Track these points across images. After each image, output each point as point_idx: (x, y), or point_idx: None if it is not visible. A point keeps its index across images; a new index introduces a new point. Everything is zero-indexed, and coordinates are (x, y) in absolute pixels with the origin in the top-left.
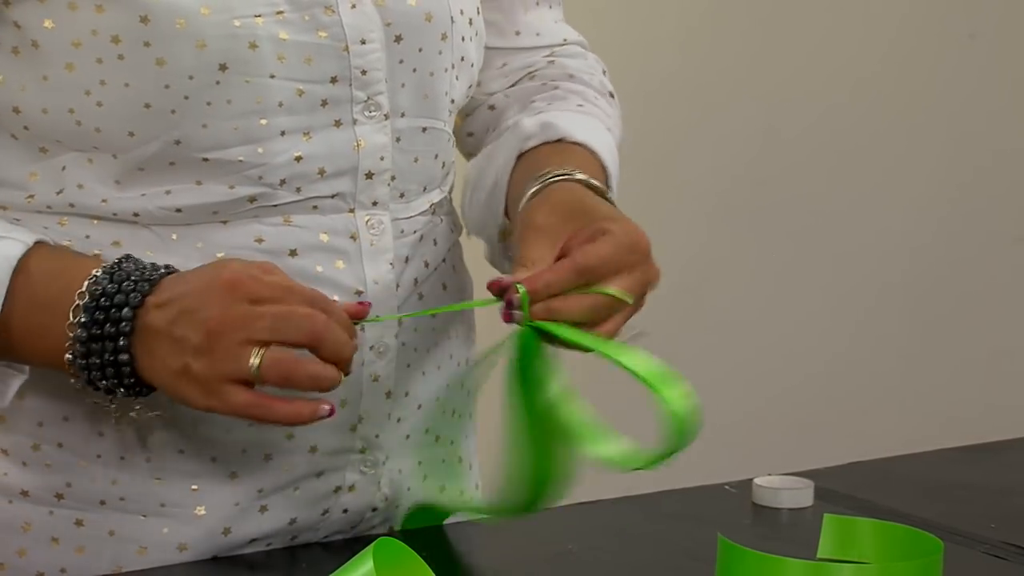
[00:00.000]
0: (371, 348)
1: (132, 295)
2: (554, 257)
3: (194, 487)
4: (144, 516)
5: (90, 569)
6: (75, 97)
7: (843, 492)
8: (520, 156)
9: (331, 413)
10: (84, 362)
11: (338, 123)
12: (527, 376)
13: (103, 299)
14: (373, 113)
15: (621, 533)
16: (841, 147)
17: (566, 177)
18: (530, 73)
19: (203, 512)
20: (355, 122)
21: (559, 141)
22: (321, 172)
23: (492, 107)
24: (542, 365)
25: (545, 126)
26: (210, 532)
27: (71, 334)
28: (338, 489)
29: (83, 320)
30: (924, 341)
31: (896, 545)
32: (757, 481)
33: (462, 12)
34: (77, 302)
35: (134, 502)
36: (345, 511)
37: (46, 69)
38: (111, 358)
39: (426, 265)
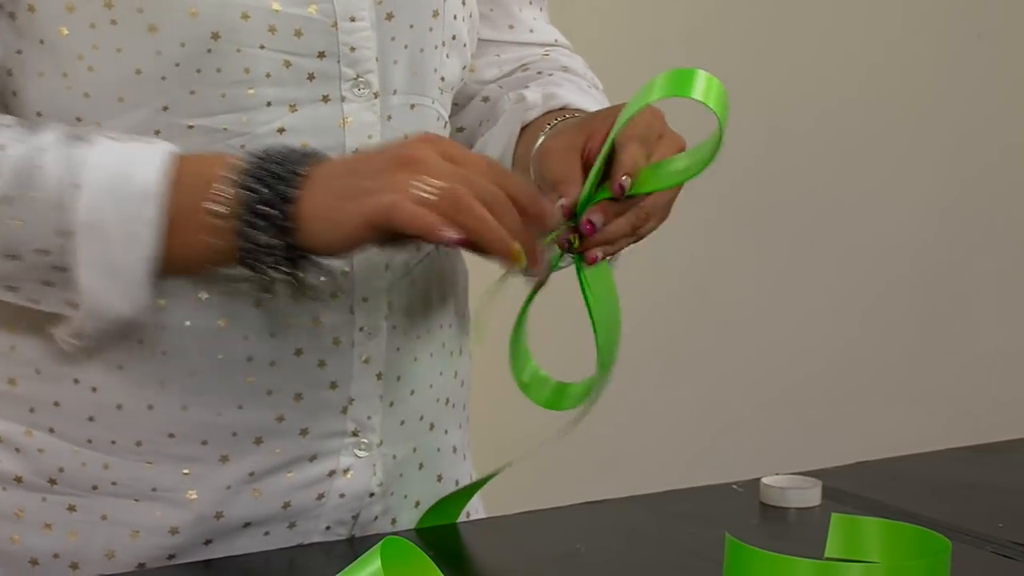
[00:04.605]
0: (360, 329)
1: (302, 159)
2: (579, 166)
3: (185, 471)
4: (136, 500)
5: (82, 553)
6: (68, 61)
7: (851, 491)
8: (525, 128)
9: (460, 240)
10: (246, 208)
11: (326, 99)
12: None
13: (270, 156)
14: (362, 91)
15: (629, 532)
16: (847, 147)
17: (562, 121)
18: (524, 65)
19: (195, 496)
20: (343, 99)
21: (561, 109)
22: (305, 144)
23: (486, 99)
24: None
25: (548, 96)
26: (202, 516)
27: (235, 163)
28: (332, 473)
29: (248, 164)
30: (931, 340)
31: (904, 545)
32: (765, 480)
33: None
34: (239, 163)
35: (126, 486)
36: (342, 496)
37: (42, 33)
38: (275, 197)
39: (417, 248)
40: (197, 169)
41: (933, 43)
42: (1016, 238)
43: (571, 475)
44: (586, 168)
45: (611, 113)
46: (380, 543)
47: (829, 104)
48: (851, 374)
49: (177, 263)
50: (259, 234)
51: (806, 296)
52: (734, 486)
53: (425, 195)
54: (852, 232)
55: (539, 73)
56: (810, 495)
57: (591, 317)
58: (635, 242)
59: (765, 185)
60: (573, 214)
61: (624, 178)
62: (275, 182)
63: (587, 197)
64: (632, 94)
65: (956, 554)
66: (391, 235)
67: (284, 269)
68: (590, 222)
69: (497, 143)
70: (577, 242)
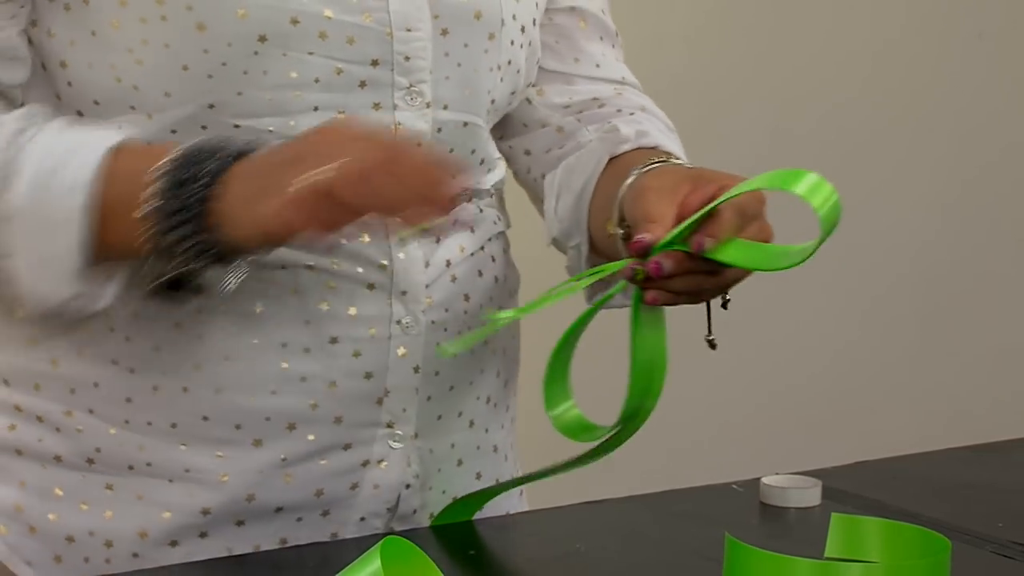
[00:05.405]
0: (398, 323)
1: (225, 156)
2: (674, 212)
3: (219, 454)
4: (170, 481)
5: (117, 531)
6: (118, 54)
7: (851, 491)
8: (612, 160)
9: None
10: (166, 202)
11: (377, 106)
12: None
13: (191, 155)
14: (415, 100)
15: (629, 532)
16: (849, 146)
17: (664, 162)
18: (600, 103)
19: (227, 478)
20: (395, 107)
21: (653, 148)
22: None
23: (560, 129)
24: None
25: (641, 134)
26: (234, 498)
27: (159, 170)
28: (366, 463)
29: (170, 166)
30: (932, 340)
31: (904, 544)
32: (765, 480)
33: (514, 17)
34: (163, 164)
35: (160, 467)
36: (376, 486)
37: (94, 25)
38: (194, 195)
39: (461, 250)
40: (133, 164)
41: (934, 43)
42: (1016, 238)
43: (571, 475)
44: (678, 217)
45: (721, 175)
46: (380, 543)
47: (830, 103)
48: (851, 374)
49: (111, 254)
50: (175, 232)
51: (806, 296)
52: (734, 486)
53: (305, 194)
54: (852, 232)
55: (619, 111)
56: (810, 495)
57: (633, 358)
58: (690, 303)
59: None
60: (648, 252)
61: (708, 239)
62: (195, 182)
63: (667, 243)
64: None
65: (956, 554)
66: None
67: (203, 263)
68: (659, 263)
69: (584, 169)
70: (641, 275)
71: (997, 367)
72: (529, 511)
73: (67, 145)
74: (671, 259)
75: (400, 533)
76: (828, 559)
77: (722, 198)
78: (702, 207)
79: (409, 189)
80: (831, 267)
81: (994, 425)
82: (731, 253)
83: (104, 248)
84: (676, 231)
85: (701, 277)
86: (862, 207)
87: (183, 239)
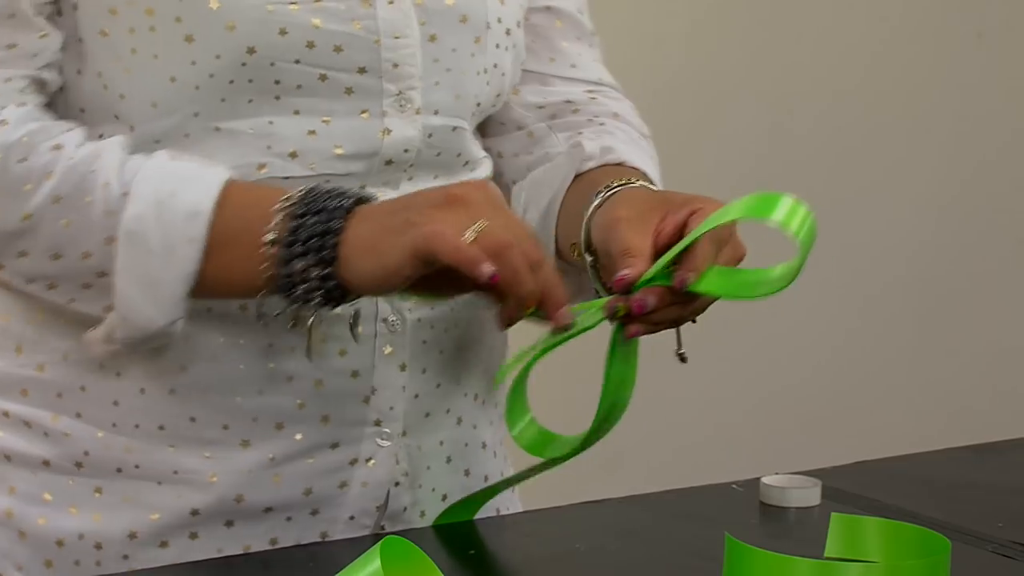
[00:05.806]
0: (384, 321)
1: (351, 196)
2: (651, 243)
3: (207, 455)
4: (159, 483)
5: (106, 533)
6: (106, 62)
7: (850, 491)
8: (577, 176)
9: (494, 279)
10: (291, 236)
11: (365, 112)
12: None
13: (320, 191)
14: (404, 107)
15: (628, 532)
16: (848, 145)
17: (625, 185)
18: (574, 108)
19: (215, 479)
20: (384, 114)
21: (618, 165)
22: (338, 147)
23: (531, 134)
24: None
25: (605, 150)
26: (222, 499)
27: (284, 202)
28: (355, 461)
29: (296, 199)
30: (932, 339)
31: (903, 544)
32: (764, 480)
33: (500, 20)
34: (291, 195)
35: (149, 469)
36: (365, 484)
37: (83, 32)
38: (321, 228)
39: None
40: (249, 197)
41: (933, 41)
42: (1015, 237)
43: (571, 475)
44: (654, 246)
45: (689, 198)
46: (380, 543)
47: (828, 102)
48: (850, 373)
49: (214, 284)
50: (300, 262)
51: (805, 295)
52: (734, 486)
53: (469, 232)
54: (851, 230)
55: (590, 120)
56: (810, 495)
57: (604, 386)
58: (670, 328)
59: (764, 184)
60: (631, 288)
61: (689, 274)
62: (322, 215)
63: (649, 277)
64: (635, 92)
65: (956, 554)
66: (432, 275)
67: (319, 301)
68: (642, 302)
69: (551, 184)
70: (623, 312)
71: (997, 367)
72: (529, 511)
73: (178, 171)
74: (654, 295)
75: (399, 533)
76: (828, 559)
77: (698, 232)
78: (676, 235)
79: (538, 281)
80: (830, 266)
81: (994, 425)
82: (711, 283)
83: (209, 276)
84: (657, 267)
85: (680, 307)
86: (861, 206)
87: (303, 274)
